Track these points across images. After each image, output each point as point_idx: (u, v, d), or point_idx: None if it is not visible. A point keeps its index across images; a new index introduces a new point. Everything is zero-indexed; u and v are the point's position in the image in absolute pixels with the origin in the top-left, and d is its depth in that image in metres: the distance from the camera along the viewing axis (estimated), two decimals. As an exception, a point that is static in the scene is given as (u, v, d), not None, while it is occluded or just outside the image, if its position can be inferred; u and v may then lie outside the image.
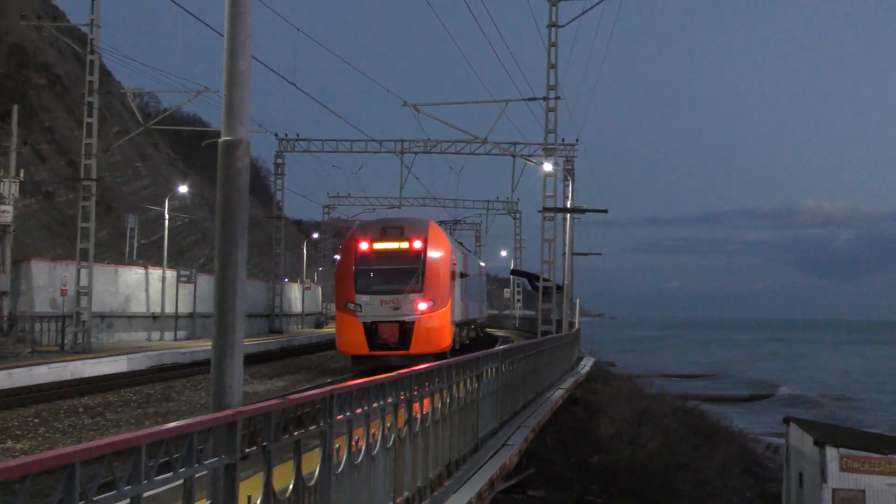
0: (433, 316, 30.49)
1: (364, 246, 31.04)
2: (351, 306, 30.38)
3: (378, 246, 31.14)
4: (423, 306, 30.35)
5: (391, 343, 30.12)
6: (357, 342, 30.22)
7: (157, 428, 4.58)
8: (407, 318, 30.16)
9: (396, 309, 30.20)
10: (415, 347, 29.96)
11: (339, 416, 7.06)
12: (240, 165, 6.43)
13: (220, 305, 6.37)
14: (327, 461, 6.77)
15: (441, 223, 45.48)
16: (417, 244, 31.07)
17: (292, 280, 77.37)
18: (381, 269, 30.88)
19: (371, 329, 30.05)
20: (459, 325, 36.20)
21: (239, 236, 6.39)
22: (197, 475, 5.01)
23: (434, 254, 31.08)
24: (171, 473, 4.72)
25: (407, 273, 30.60)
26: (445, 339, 31.18)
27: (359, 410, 7.52)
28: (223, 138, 6.46)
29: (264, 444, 5.81)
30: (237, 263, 6.37)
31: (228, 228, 6.38)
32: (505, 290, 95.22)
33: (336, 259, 41.60)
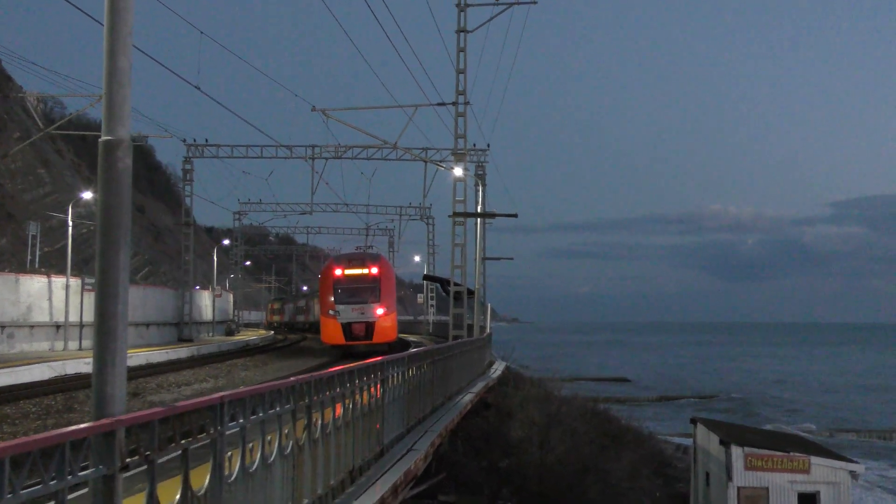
0: (386, 318, 44.12)
1: (338, 272, 44.64)
2: (332, 312, 43.81)
3: (348, 272, 44.55)
4: (380, 311, 43.83)
5: (360, 336, 43.46)
6: (337, 336, 43.91)
7: (22, 439, 4.30)
8: (370, 320, 43.68)
9: (362, 314, 43.64)
10: (375, 339, 43.36)
11: (232, 423, 6.87)
12: (121, 166, 6.19)
13: (100, 312, 6.11)
14: (218, 470, 6.56)
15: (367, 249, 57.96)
16: (374, 270, 44.51)
17: (204, 287, 76.22)
18: (351, 287, 43.93)
19: (346, 327, 43.61)
20: (399, 324, 50.59)
21: (121, 239, 6.15)
22: (72, 495, 4.76)
23: (385, 277, 44.76)
24: (39, 486, 4.45)
25: (368, 290, 43.99)
26: (394, 333, 45.38)
27: (253, 417, 7.34)
28: (103, 138, 6.21)
29: (147, 453, 5.57)
30: (119, 267, 6.13)
31: (109, 231, 6.13)
32: (419, 295, 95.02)
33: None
